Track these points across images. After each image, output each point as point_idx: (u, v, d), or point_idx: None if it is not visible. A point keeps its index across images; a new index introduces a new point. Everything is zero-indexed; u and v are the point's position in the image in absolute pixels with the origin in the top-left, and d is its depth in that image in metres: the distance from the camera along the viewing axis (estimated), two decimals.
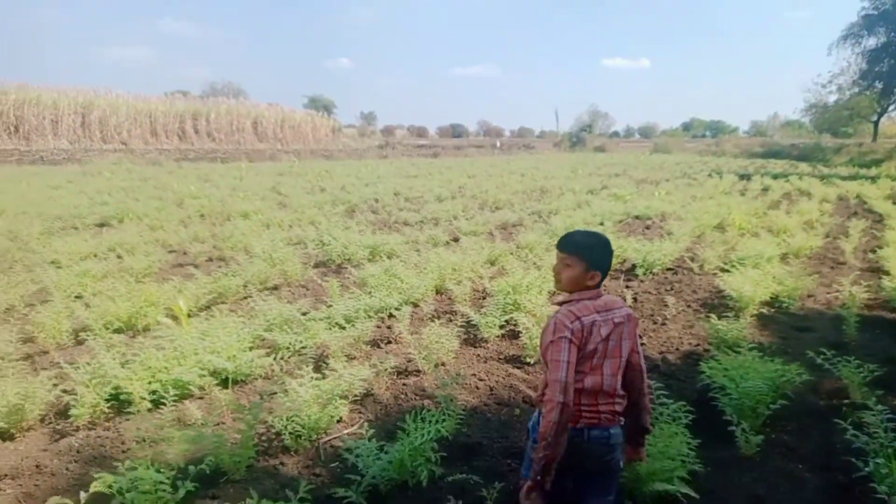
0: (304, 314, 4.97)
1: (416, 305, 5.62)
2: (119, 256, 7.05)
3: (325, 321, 4.83)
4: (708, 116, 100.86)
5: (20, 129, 31.50)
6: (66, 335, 4.72)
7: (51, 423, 3.57)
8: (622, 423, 2.28)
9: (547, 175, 20.90)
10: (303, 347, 4.50)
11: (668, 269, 7.03)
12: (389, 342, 4.86)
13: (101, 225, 9.92)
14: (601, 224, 9.61)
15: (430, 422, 3.01)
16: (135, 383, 3.58)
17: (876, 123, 44.88)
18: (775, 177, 21.32)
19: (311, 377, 3.59)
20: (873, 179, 19.97)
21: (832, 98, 43.69)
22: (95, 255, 7.31)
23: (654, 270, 6.80)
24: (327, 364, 4.19)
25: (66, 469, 3.10)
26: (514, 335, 4.97)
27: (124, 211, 10.34)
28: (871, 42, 39.20)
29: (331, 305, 5.18)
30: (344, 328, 4.61)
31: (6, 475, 3.03)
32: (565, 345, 2.14)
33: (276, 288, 6.33)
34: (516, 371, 4.35)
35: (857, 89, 41.34)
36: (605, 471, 2.27)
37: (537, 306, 5.04)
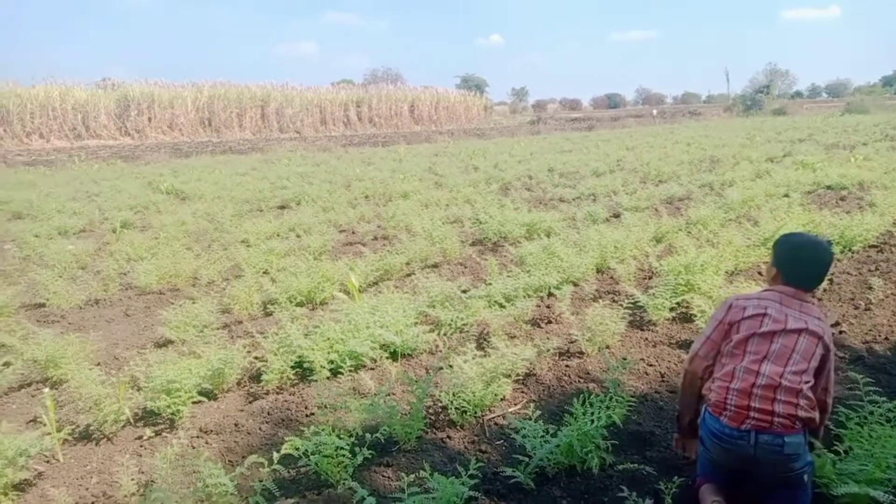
0: (464, 291, 5.04)
1: (576, 285, 5.45)
2: (298, 236, 7.69)
3: (484, 299, 4.86)
4: None
5: (212, 122, 35.83)
6: (257, 307, 5.25)
7: (245, 386, 3.99)
8: (802, 430, 2.23)
9: (717, 143, 19.17)
10: (464, 324, 4.58)
11: (872, 247, 6.09)
12: (550, 322, 4.77)
13: (282, 207, 10.91)
14: (786, 195, 8.59)
15: (599, 407, 2.89)
16: (316, 353, 3.86)
17: None
18: None
19: (475, 354, 3.63)
20: None
21: None
22: (278, 235, 8.06)
23: (855, 248, 5.93)
24: (489, 342, 4.22)
25: (260, 429, 3.44)
26: (685, 319, 4.63)
27: (301, 194, 11.26)
28: None
29: (490, 283, 5.20)
30: (504, 306, 4.60)
31: (212, 430, 3.43)
32: (715, 319, 2.45)
33: (436, 266, 6.50)
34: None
35: None
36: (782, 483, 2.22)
37: (713, 287, 4.63)
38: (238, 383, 4.00)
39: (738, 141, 19.79)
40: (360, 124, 43.28)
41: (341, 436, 2.83)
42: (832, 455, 2.53)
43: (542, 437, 2.81)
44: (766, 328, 2.29)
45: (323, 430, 2.80)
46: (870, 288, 5.00)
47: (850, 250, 5.92)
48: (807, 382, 2.24)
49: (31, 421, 3.62)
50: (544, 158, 17.33)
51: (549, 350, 3.97)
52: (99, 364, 4.23)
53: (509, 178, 12.98)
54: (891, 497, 2.26)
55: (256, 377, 4.02)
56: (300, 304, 5.20)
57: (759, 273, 5.56)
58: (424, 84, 51.15)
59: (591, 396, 3.02)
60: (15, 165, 20.44)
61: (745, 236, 5.87)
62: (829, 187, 9.76)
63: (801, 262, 2.38)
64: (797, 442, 2.21)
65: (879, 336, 4.19)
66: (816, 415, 2.30)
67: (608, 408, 2.85)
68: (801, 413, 2.21)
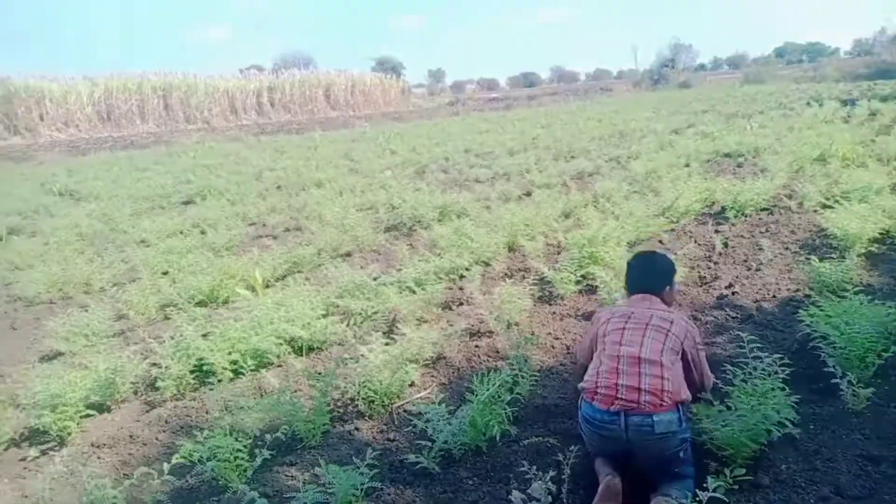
0: (375, 279, 4.96)
1: (487, 265, 5.49)
2: (203, 232, 7.34)
3: (395, 285, 4.80)
4: (803, 39, 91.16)
5: (111, 116, 33.62)
6: (154, 311, 4.96)
7: (142, 395, 3.77)
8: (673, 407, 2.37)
9: (626, 118, 19.84)
10: (374, 313, 4.51)
11: (763, 210, 6.46)
12: (461, 304, 4.77)
13: (186, 203, 10.38)
14: (687, 165, 8.99)
15: (502, 382, 2.90)
16: (216, 354, 3.70)
17: None
18: (884, 99, 19.18)
19: (382, 343, 3.57)
20: None
21: None
22: (181, 233, 7.66)
23: (747, 212, 6.27)
24: (398, 329, 4.17)
25: (156, 439, 3.26)
26: (591, 290, 4.75)
27: (207, 188, 10.77)
28: None
29: (401, 269, 5.15)
30: (415, 292, 4.56)
31: (105, 444, 3.22)
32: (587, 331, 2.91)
33: (348, 255, 6.38)
34: None
35: None
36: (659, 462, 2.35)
37: (615, 258, 4.77)
38: (134, 393, 3.78)
39: (646, 115, 20.56)
40: (273, 112, 41.86)
41: (239, 438, 2.72)
42: (721, 410, 2.64)
43: (446, 418, 2.80)
44: (616, 324, 2.62)
45: (218, 433, 2.67)
46: (760, 249, 5.30)
47: (743, 214, 6.26)
48: (668, 360, 2.45)
49: None
50: (461, 140, 17.38)
51: (457, 331, 3.97)
52: None
53: (425, 160, 12.93)
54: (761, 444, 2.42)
55: (153, 385, 3.81)
56: (201, 304, 4.96)
57: (660, 242, 5.79)
58: (337, 68, 49.95)
59: (496, 374, 3.03)
60: None
61: (646, 207, 6.09)
62: (727, 155, 10.29)
63: (632, 275, 2.88)
64: (668, 420, 2.32)
65: (768, 294, 4.45)
66: (687, 394, 2.47)
67: (510, 382, 2.86)
68: (668, 386, 2.37)
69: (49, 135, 30.33)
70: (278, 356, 3.92)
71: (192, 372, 3.71)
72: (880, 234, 5.10)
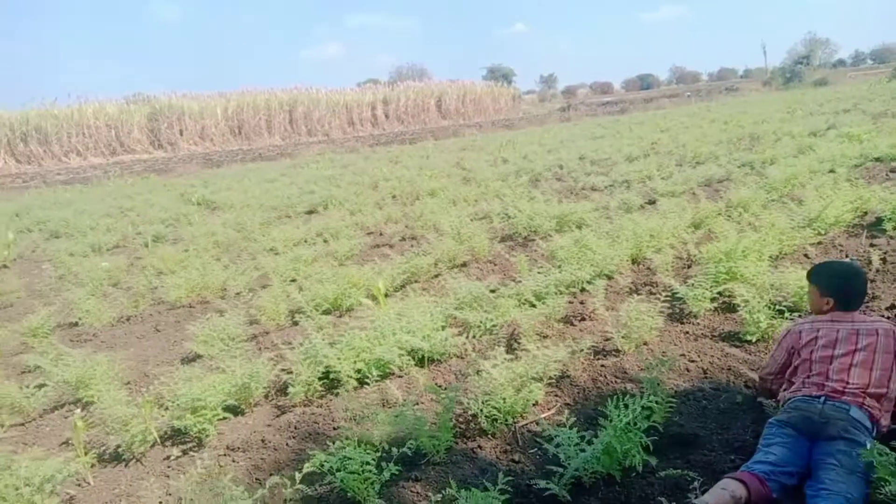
0: (492, 291, 4.89)
1: (610, 278, 5.23)
2: (326, 241, 7.65)
3: (514, 298, 4.70)
4: None
5: (242, 130, 36.37)
6: (284, 317, 5.19)
7: (272, 399, 3.92)
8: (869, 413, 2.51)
9: (756, 119, 18.43)
10: (493, 326, 4.42)
11: None
12: (583, 319, 4.57)
13: (310, 212, 10.91)
14: (831, 171, 8.14)
15: (635, 408, 2.71)
16: (342, 363, 3.77)
17: None
18: None
19: (504, 358, 3.47)
20: None
21: None
22: (305, 241, 8.03)
23: None
24: (519, 343, 4.06)
25: (287, 444, 3.36)
26: (728, 309, 4.37)
27: (328, 198, 11.24)
28: None
29: (520, 281, 5.03)
30: (535, 305, 4.43)
31: (239, 448, 3.37)
32: (778, 344, 3.02)
33: (464, 265, 6.35)
34: (734, 350, 3.81)
35: None
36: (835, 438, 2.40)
37: (757, 274, 4.36)
38: (265, 397, 3.94)
39: (779, 116, 19.01)
40: (387, 122, 43.36)
41: (367, 450, 2.73)
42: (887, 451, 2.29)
43: (577, 444, 2.65)
44: (823, 341, 2.74)
45: (348, 444, 2.70)
46: None
47: None
48: (880, 374, 2.59)
49: (62, 444, 3.63)
50: (575, 146, 16.98)
51: (582, 350, 3.79)
52: (129, 383, 4.24)
53: (539, 168, 12.73)
54: None
55: (283, 390, 3.96)
56: (326, 312, 5.12)
57: (806, 256, 5.24)
58: (450, 78, 50.89)
59: (628, 398, 2.83)
60: (54, 185, 21.10)
61: (789, 217, 5.54)
62: (877, 159, 9.22)
63: (852, 290, 2.86)
64: (862, 416, 2.47)
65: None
66: (887, 413, 2.61)
67: (646, 408, 2.66)
68: (871, 390, 2.55)
69: (187, 148, 33.34)
70: (400, 367, 3.94)
71: (319, 379, 3.81)
72: None
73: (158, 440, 3.42)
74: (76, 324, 5.66)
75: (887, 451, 2.23)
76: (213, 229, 8.95)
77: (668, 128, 19.71)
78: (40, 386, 3.99)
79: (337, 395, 3.84)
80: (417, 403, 3.57)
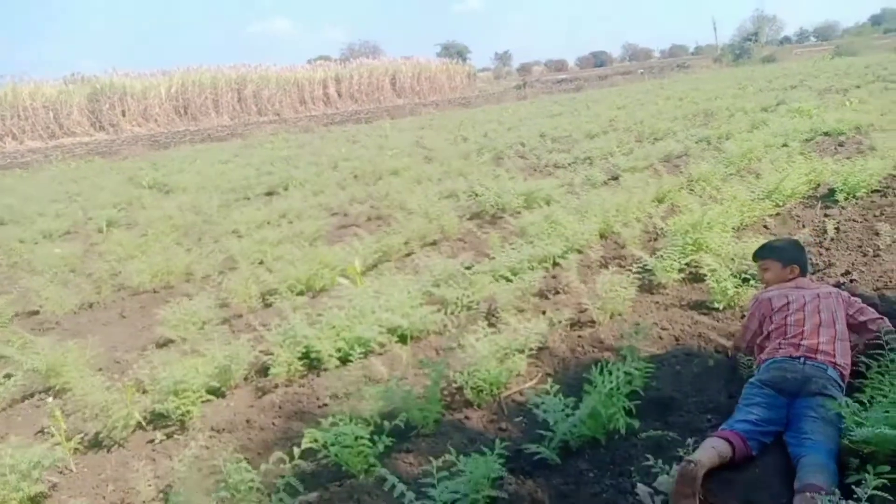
0: (467, 268, 4.94)
1: (580, 252, 5.35)
2: (290, 222, 7.54)
3: (489, 274, 4.77)
4: None
5: (188, 110, 35.06)
6: (255, 299, 5.12)
7: (252, 381, 3.89)
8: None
9: (709, 96, 18.92)
10: (470, 302, 4.49)
11: (875, 191, 6.00)
12: (557, 293, 4.68)
13: (269, 193, 10.68)
14: (784, 146, 8.48)
15: (617, 374, 2.82)
16: (323, 342, 3.77)
17: None
18: None
19: (486, 332, 3.54)
20: None
21: None
22: (268, 223, 7.89)
23: (859, 194, 5.84)
24: (497, 318, 4.13)
25: (273, 424, 3.36)
26: (695, 279, 4.55)
27: (287, 179, 11.03)
28: None
29: (493, 258, 5.10)
30: (510, 280, 4.50)
31: (224, 429, 3.35)
32: (750, 313, 3.21)
33: (434, 243, 6.38)
34: (703, 318, 3.97)
35: None
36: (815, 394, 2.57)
37: (722, 245, 4.54)
38: (245, 379, 3.90)
39: (731, 92, 19.56)
40: (340, 101, 42.57)
41: (359, 425, 2.76)
42: (855, 405, 2.47)
43: (563, 410, 2.75)
44: (795, 305, 2.95)
45: (341, 420, 2.72)
46: (877, 234, 4.93)
47: (854, 196, 5.84)
48: (842, 328, 2.87)
49: (38, 432, 3.53)
50: (534, 124, 17.11)
51: (560, 322, 3.89)
52: (101, 370, 4.12)
53: (501, 146, 12.79)
54: None
55: (263, 371, 3.93)
56: (300, 293, 5.08)
57: (765, 227, 5.48)
58: (404, 55, 50.26)
59: (610, 365, 2.94)
60: None
61: (749, 190, 5.77)
62: (826, 133, 9.64)
63: (806, 258, 3.26)
64: (836, 375, 2.67)
65: (890, 282, 4.13)
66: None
67: (627, 374, 2.77)
68: (839, 341, 2.80)
69: (130, 129, 31.95)
70: (381, 344, 3.96)
71: (300, 359, 3.80)
72: None
73: (143, 424, 3.36)
74: (36, 312, 5.45)
75: (854, 403, 2.40)
76: (170, 213, 8.69)
77: (624, 105, 20.05)
78: (7, 376, 3.85)
79: (318, 374, 3.84)
80: (402, 378, 3.61)
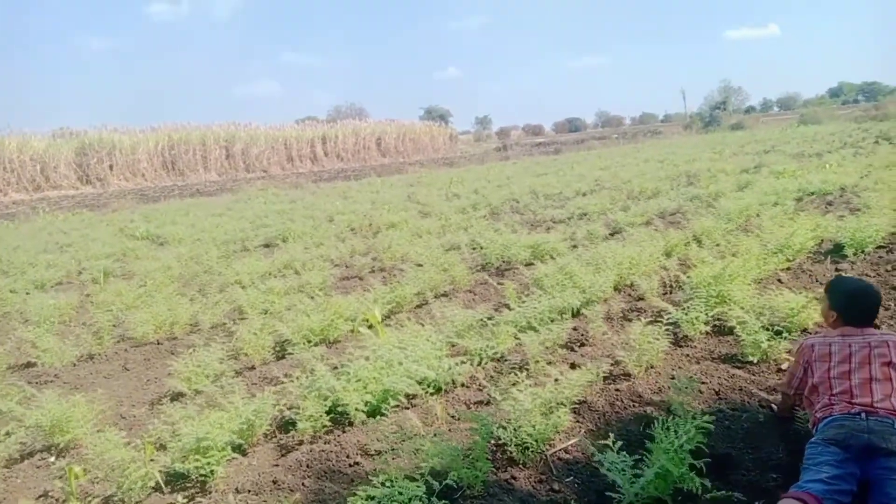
0: (489, 319, 4.82)
1: (597, 303, 5.28)
2: (297, 272, 7.38)
3: (511, 324, 4.66)
4: (858, 78, 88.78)
5: (176, 165, 35.11)
6: (269, 350, 4.92)
7: (274, 437, 3.66)
8: None
9: (687, 159, 19.53)
10: (495, 353, 4.36)
11: (880, 247, 6.10)
12: (583, 344, 4.58)
13: (267, 245, 10.56)
14: (776, 204, 8.66)
15: (677, 430, 2.69)
16: (351, 395, 3.59)
17: None
18: None
19: (526, 384, 3.40)
20: None
21: None
22: (271, 274, 7.73)
23: (866, 250, 5.92)
24: (528, 370, 4.01)
25: (303, 484, 3.13)
26: (721, 332, 4.49)
27: (284, 231, 10.94)
28: None
29: (511, 308, 5.01)
30: (537, 331, 4.39)
31: (249, 490, 3.11)
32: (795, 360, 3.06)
33: (446, 294, 6.27)
34: (739, 372, 3.88)
35: None
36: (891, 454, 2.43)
37: (745, 297, 4.52)
38: (265, 435, 3.68)
39: (707, 156, 20.22)
40: (326, 160, 43.07)
41: (409, 484, 2.57)
42: None
43: (631, 469, 2.60)
44: (838, 357, 2.78)
45: (395, 478, 2.53)
46: (893, 288, 4.97)
47: (862, 252, 5.91)
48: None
49: (40, 496, 3.25)
50: (522, 182, 17.36)
51: (599, 374, 3.77)
52: (108, 426, 3.86)
53: (494, 202, 12.90)
54: None
55: (284, 427, 3.72)
56: (314, 344, 4.90)
57: (779, 280, 5.50)
58: (389, 117, 51.30)
59: (670, 421, 2.81)
60: None
61: (761, 245, 5.81)
62: (812, 193, 9.91)
63: (858, 307, 2.88)
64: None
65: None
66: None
67: (698, 428, 2.65)
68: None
69: (117, 184, 31.76)
70: (408, 397, 3.79)
71: (326, 413, 3.60)
72: None
73: (162, 485, 3.11)
74: (33, 364, 5.14)
75: None
76: (168, 263, 8.48)
77: (606, 166, 20.54)
78: (7, 434, 3.57)
79: (343, 430, 3.64)
80: (438, 433, 3.44)
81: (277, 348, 5.00)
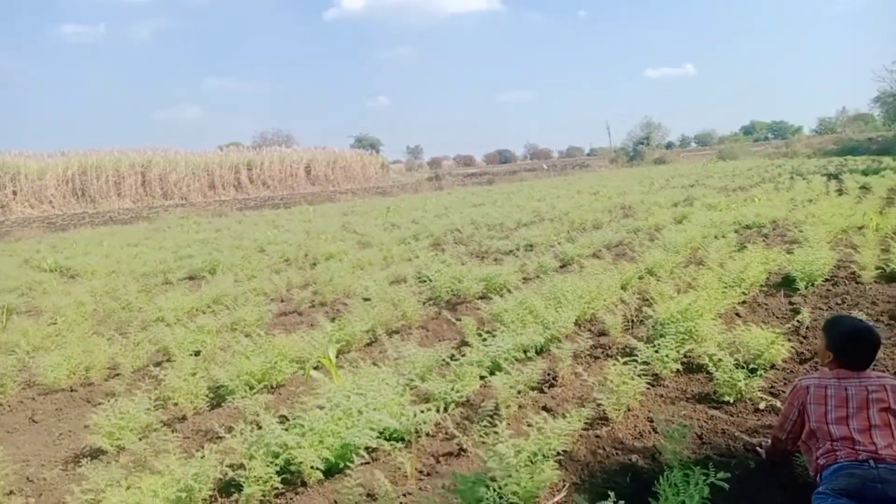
0: (453, 358, 4.47)
1: (560, 340, 5.05)
2: (228, 308, 6.77)
3: (475, 365, 4.34)
4: (768, 117, 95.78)
5: (86, 192, 32.88)
6: (202, 398, 4.35)
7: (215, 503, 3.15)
8: None
9: (618, 191, 20.11)
10: (461, 397, 4.02)
11: (826, 280, 6.24)
12: (552, 385, 4.31)
13: (192, 278, 9.82)
14: (717, 237, 8.85)
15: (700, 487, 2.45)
16: (306, 451, 3.14)
17: None
18: (865, 173, 19.97)
19: (506, 434, 3.07)
20: None
21: None
22: (199, 310, 7.08)
23: (816, 283, 6.03)
24: (500, 415, 3.69)
25: None
26: (691, 369, 4.35)
27: (212, 262, 10.22)
28: None
29: (471, 346, 4.69)
30: (507, 372, 4.08)
31: None
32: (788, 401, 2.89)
33: (397, 332, 5.87)
34: (716, 413, 3.72)
35: None
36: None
37: (715, 333, 4.41)
38: (204, 501, 3.15)
39: (637, 188, 20.91)
40: (252, 187, 41.68)
41: None
42: None
43: None
44: (834, 401, 2.64)
45: None
46: None
47: (812, 284, 6.01)
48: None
49: None
50: (461, 212, 17.26)
51: (580, 420, 3.48)
52: (12, 492, 3.22)
53: (436, 232, 12.64)
54: None
55: (226, 490, 3.21)
56: (256, 391, 4.37)
57: (737, 314, 5.47)
58: (318, 145, 50.43)
59: (672, 474, 2.55)
60: None
61: (719, 279, 5.79)
62: (748, 227, 10.25)
63: (856, 348, 2.70)
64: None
65: (878, 367, 4.11)
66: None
67: (700, 491, 2.41)
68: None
69: (21, 211, 29.39)
70: (374, 450, 3.37)
71: (278, 473, 3.13)
72: None
73: None
74: None
75: None
76: (82, 298, 7.63)
77: (542, 197, 20.82)
78: None
79: (298, 492, 3.18)
80: (406, 495, 3.04)
81: (212, 395, 4.45)
